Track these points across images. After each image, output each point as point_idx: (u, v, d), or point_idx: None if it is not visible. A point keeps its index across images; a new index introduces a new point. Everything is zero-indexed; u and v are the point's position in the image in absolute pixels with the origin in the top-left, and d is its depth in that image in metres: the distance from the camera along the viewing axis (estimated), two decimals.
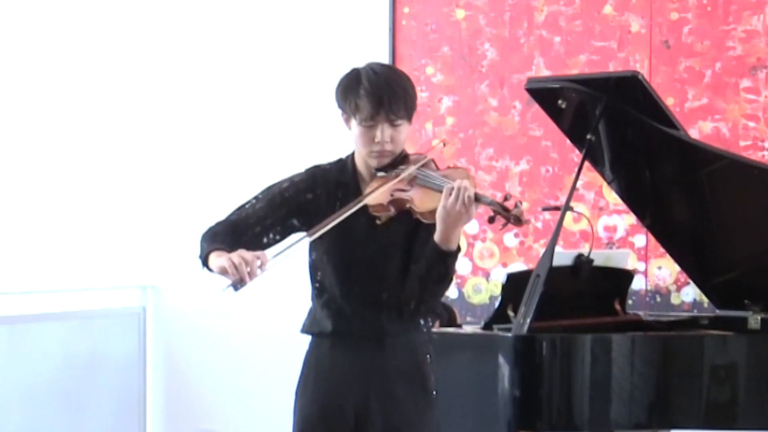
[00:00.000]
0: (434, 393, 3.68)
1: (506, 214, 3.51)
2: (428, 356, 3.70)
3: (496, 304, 3.92)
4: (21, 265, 6.68)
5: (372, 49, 6.10)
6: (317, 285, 3.70)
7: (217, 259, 3.50)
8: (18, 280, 6.59)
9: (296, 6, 6.32)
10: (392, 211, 3.58)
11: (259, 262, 3.43)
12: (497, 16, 5.98)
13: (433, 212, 3.51)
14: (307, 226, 3.62)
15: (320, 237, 3.55)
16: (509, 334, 3.67)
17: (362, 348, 3.64)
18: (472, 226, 5.99)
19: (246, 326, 6.20)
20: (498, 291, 5.04)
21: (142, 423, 6.48)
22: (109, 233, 6.61)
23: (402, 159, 3.65)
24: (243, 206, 3.69)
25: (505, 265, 5.93)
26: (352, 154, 3.73)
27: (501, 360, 3.65)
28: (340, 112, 3.69)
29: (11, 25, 6.79)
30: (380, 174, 3.63)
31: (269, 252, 3.52)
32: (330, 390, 3.64)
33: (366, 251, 3.62)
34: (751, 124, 5.64)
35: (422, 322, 3.69)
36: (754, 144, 5.63)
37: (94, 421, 6.18)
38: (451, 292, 5.99)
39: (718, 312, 4.36)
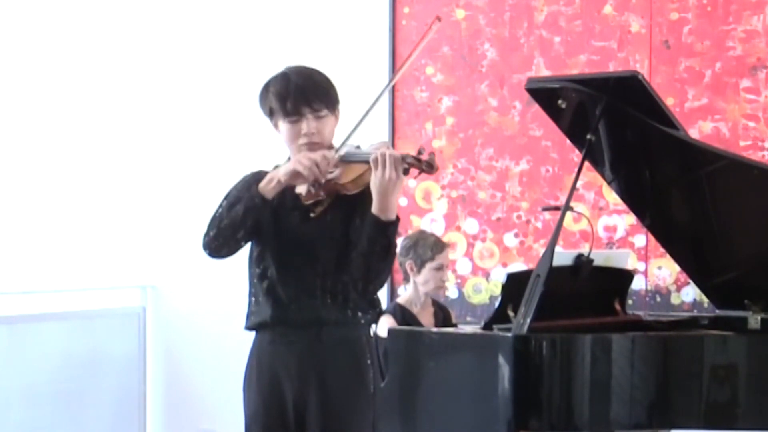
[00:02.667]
0: (372, 386, 3.71)
1: (419, 164, 3.60)
2: (367, 350, 3.72)
3: (496, 304, 3.92)
4: (21, 265, 6.68)
5: (372, 49, 6.11)
6: (259, 272, 3.72)
7: (276, 172, 3.63)
8: (18, 280, 6.59)
9: (296, 6, 6.32)
10: (323, 195, 3.64)
11: (326, 161, 3.57)
12: (497, 16, 5.98)
13: (355, 181, 3.62)
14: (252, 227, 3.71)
15: (262, 231, 3.67)
16: (509, 334, 3.67)
17: (301, 341, 3.66)
18: (472, 226, 5.99)
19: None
20: (498, 291, 5.04)
21: (142, 423, 6.48)
22: (109, 233, 6.61)
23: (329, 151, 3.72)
24: (214, 215, 3.74)
25: (505, 265, 5.93)
26: (288, 158, 3.78)
27: (501, 360, 3.65)
28: (268, 119, 3.78)
29: (11, 25, 6.78)
30: None
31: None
32: (271, 385, 3.68)
33: (300, 242, 3.67)
34: (751, 124, 5.64)
35: (360, 313, 3.71)
36: (754, 144, 5.63)
37: (94, 421, 6.18)
38: (451, 292, 5.99)
39: (718, 312, 4.36)
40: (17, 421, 5.78)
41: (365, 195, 3.66)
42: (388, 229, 3.58)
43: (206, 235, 3.70)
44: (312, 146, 3.67)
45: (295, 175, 3.59)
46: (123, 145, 6.61)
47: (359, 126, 3.76)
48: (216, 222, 3.68)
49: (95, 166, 6.65)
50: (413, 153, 3.62)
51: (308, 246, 3.67)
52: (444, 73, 6.05)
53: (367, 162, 3.60)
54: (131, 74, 6.59)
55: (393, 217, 3.59)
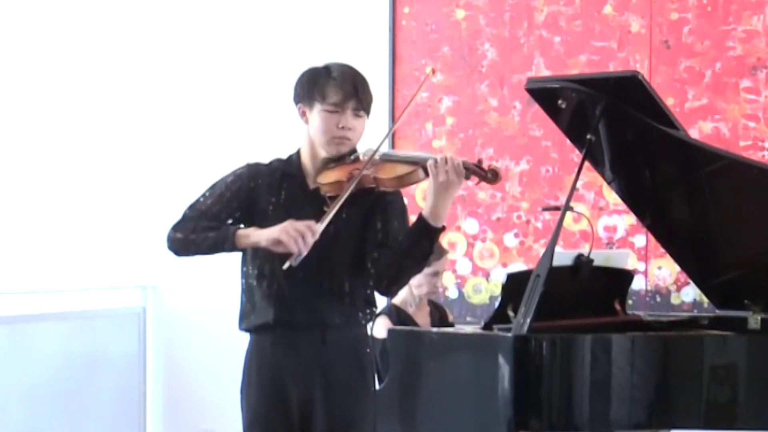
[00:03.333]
0: (373, 386, 3.71)
1: (483, 172, 3.59)
2: (368, 350, 3.71)
3: (496, 304, 3.93)
4: (21, 265, 6.68)
5: (372, 49, 6.11)
6: (257, 273, 3.69)
7: (259, 233, 3.57)
8: (18, 280, 6.59)
9: (296, 6, 6.32)
10: (351, 187, 3.58)
11: (310, 232, 3.52)
12: (497, 16, 5.98)
13: (397, 179, 3.58)
14: (245, 216, 3.70)
15: (268, 226, 3.62)
16: (509, 334, 3.67)
17: (304, 343, 3.65)
18: (472, 226, 5.99)
19: None
20: (498, 291, 5.04)
21: (142, 423, 6.48)
22: (109, 233, 6.61)
23: (351, 153, 3.70)
24: (195, 204, 3.76)
25: (505, 265, 5.93)
26: (297, 151, 3.76)
27: (501, 360, 3.65)
28: (297, 105, 3.75)
29: (11, 25, 6.79)
30: (331, 164, 3.68)
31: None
32: (274, 386, 3.66)
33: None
34: (751, 124, 5.64)
35: (361, 314, 3.70)
36: (754, 144, 5.63)
37: (94, 421, 6.18)
38: (451, 292, 5.99)
39: (718, 312, 4.36)
40: (17, 421, 5.78)
41: (387, 196, 3.65)
42: (434, 236, 3.57)
43: (173, 229, 3.72)
44: (343, 141, 3.64)
45: (277, 243, 3.54)
46: (123, 145, 6.61)
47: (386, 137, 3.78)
48: (187, 230, 3.69)
49: (95, 166, 6.65)
50: (473, 161, 3.61)
51: (319, 244, 3.61)
52: (444, 73, 6.05)
53: (413, 163, 3.58)
54: (131, 75, 6.59)
55: (442, 224, 3.57)
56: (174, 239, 3.71)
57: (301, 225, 3.52)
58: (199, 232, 3.67)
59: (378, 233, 3.63)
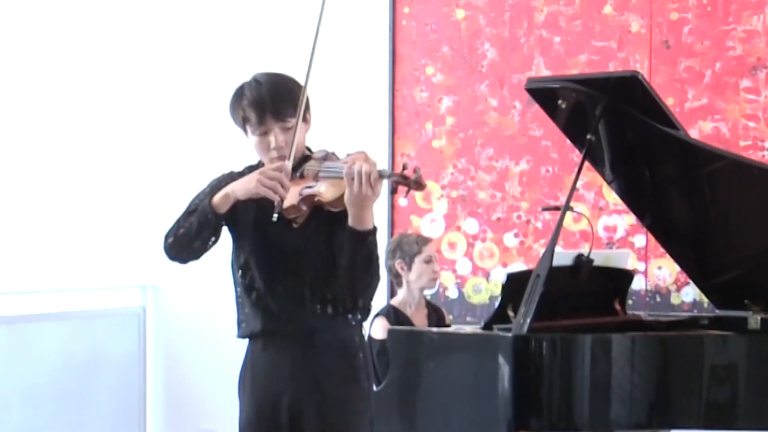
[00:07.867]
0: (368, 385, 3.66)
1: (407, 182, 3.47)
2: (360, 351, 3.67)
3: (496, 304, 3.93)
4: (21, 265, 6.68)
5: (372, 49, 6.11)
6: (246, 283, 3.68)
7: (233, 187, 3.56)
8: (18, 280, 6.59)
9: (296, 6, 6.32)
10: (305, 209, 3.57)
11: (284, 174, 3.49)
12: (497, 16, 5.98)
13: (339, 199, 3.52)
14: (228, 222, 3.66)
15: (244, 240, 3.63)
16: (509, 334, 3.67)
17: (293, 346, 3.62)
18: (472, 226, 6.00)
19: None
20: (498, 291, 5.04)
21: (142, 423, 6.48)
22: (109, 233, 6.61)
23: (305, 158, 3.66)
24: (178, 221, 3.74)
25: (505, 265, 5.93)
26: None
27: (501, 360, 3.65)
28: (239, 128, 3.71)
29: (11, 25, 6.79)
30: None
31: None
32: (264, 390, 3.64)
33: (285, 252, 3.61)
34: (751, 124, 5.64)
35: (350, 316, 3.66)
36: (754, 144, 5.63)
37: (94, 421, 6.18)
38: (451, 292, 5.99)
39: (718, 312, 4.36)
40: (17, 421, 5.78)
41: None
42: (366, 239, 3.52)
43: (165, 239, 3.69)
44: (281, 159, 3.60)
45: (256, 194, 3.52)
46: (123, 145, 6.61)
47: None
48: (174, 230, 3.67)
49: (95, 167, 6.65)
50: (398, 171, 3.50)
51: (295, 256, 3.61)
52: (444, 73, 6.05)
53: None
54: (131, 75, 6.59)
55: (370, 226, 3.52)
56: (168, 245, 3.69)
57: (272, 171, 3.50)
58: (183, 223, 3.67)
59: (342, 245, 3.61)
